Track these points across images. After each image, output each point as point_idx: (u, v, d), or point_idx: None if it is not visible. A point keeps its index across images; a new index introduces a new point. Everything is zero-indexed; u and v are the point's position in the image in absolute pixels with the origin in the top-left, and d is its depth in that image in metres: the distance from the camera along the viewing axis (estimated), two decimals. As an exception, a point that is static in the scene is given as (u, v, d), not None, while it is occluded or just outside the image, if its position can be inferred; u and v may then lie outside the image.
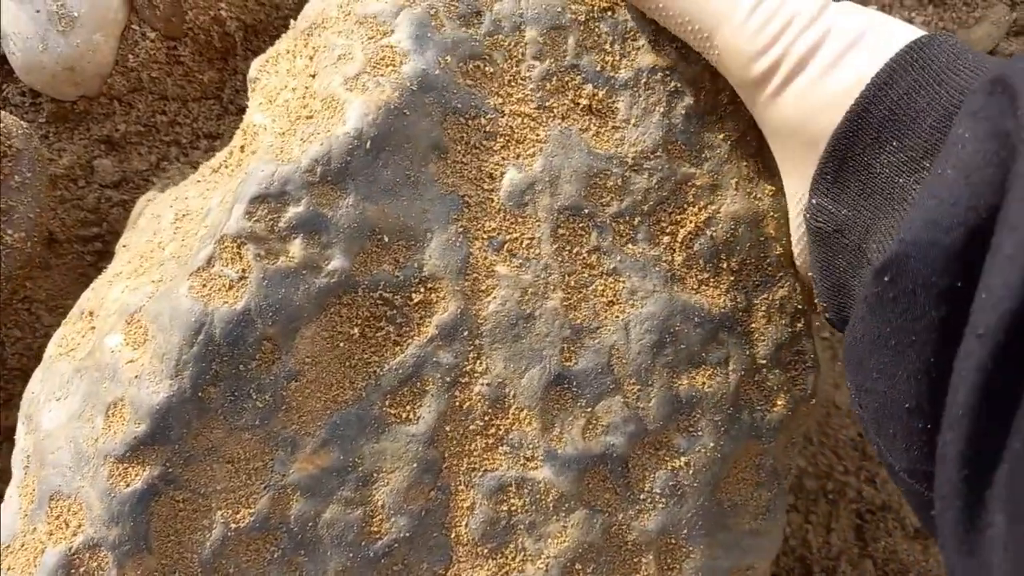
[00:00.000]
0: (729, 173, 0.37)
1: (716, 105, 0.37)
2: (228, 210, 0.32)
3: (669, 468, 0.35)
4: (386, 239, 0.33)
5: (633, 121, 0.35)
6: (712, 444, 0.35)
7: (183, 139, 0.49)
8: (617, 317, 0.35)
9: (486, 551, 0.34)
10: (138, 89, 0.48)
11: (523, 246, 0.34)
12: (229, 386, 0.31)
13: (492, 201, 0.34)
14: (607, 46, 0.36)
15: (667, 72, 0.36)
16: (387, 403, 0.33)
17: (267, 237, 0.31)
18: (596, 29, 0.36)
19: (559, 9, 0.35)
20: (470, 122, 0.34)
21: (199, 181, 0.40)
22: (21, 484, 0.34)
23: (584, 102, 0.35)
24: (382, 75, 0.33)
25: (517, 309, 0.34)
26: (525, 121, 0.35)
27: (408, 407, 0.33)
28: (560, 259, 0.34)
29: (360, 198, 0.32)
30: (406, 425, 0.33)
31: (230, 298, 0.31)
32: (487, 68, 0.34)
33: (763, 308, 0.37)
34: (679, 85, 0.36)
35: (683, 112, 0.36)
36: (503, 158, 0.34)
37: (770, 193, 0.37)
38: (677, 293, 0.35)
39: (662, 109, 0.36)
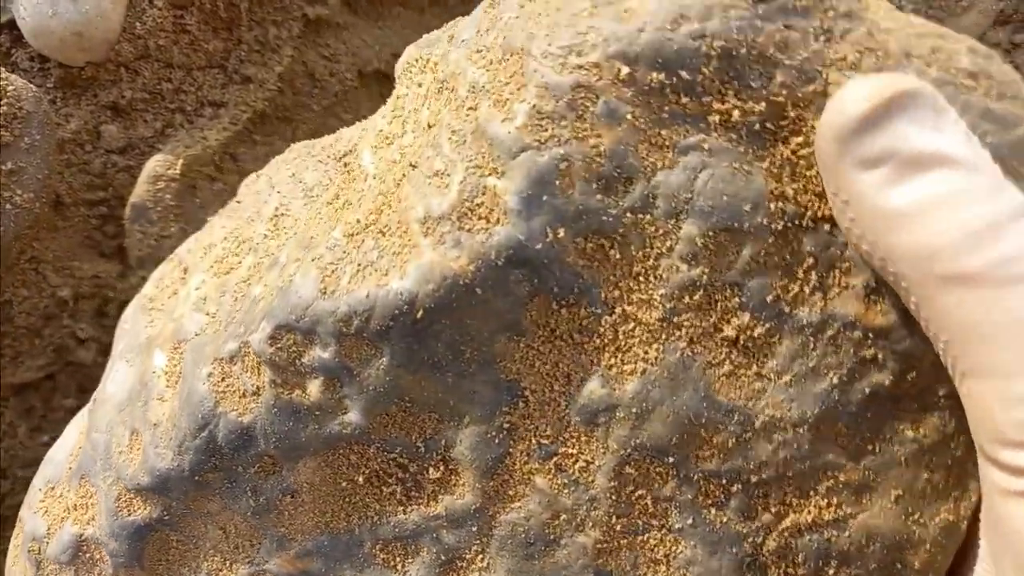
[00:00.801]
0: (894, 479, 0.26)
1: (925, 393, 0.25)
2: (260, 319, 0.28)
3: None
4: (416, 409, 0.27)
5: (788, 378, 0.25)
6: None
7: (188, 107, 0.49)
8: None
9: None
10: (144, 56, 0.47)
11: (575, 466, 0.27)
12: (227, 477, 0.30)
13: (558, 405, 0.27)
14: (799, 270, 0.24)
15: (872, 334, 0.24)
16: (378, 547, 0.30)
17: (287, 368, 0.27)
18: (794, 242, 0.24)
19: (748, 207, 0.24)
20: (564, 309, 0.26)
21: (320, 162, 0.35)
22: (81, 426, 0.36)
23: (730, 332, 0.25)
24: (469, 230, 0.25)
25: (540, 530, 0.28)
26: (638, 330, 0.26)
27: (398, 559, 0.30)
28: (614, 498, 0.27)
29: (396, 364, 0.26)
30: (391, 572, 0.31)
31: (240, 407, 0.28)
32: (612, 252, 0.25)
33: None
34: (881, 356, 0.25)
35: (867, 390, 0.25)
36: (591, 362, 0.26)
37: (942, 524, 0.26)
38: (747, 581, 0.28)
39: (839, 378, 0.25)
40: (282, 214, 0.34)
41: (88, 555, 0.34)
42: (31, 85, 0.42)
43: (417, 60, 0.32)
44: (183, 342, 0.32)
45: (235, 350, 0.28)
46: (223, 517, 0.31)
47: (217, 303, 0.32)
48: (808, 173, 0.24)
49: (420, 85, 0.31)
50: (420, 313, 0.25)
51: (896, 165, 0.21)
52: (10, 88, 0.40)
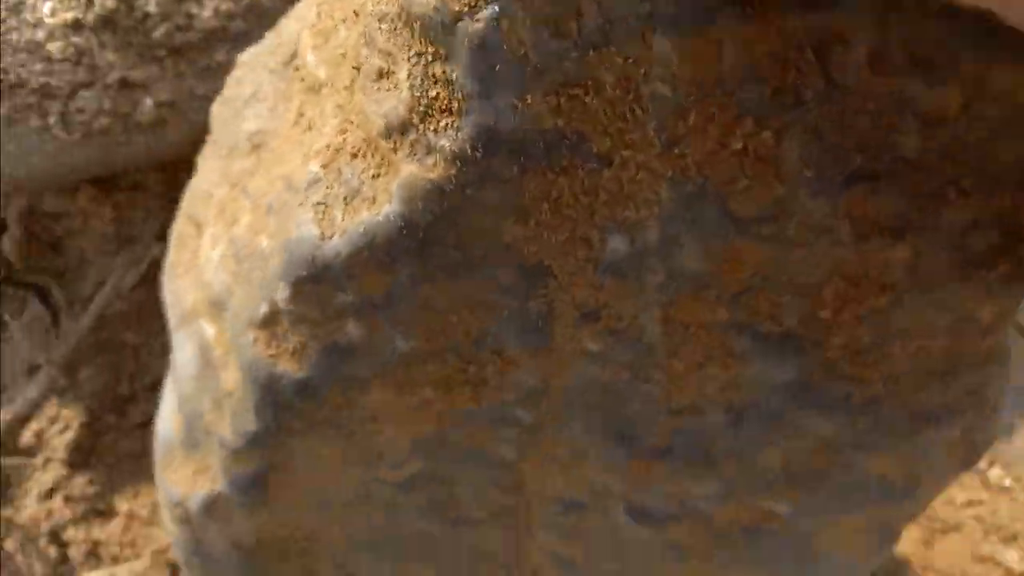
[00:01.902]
0: (943, 241, 0.25)
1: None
2: (276, 279, 0.28)
3: (762, 526, 0.32)
4: (453, 318, 0.27)
5: (810, 173, 0.24)
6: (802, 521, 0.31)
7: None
8: (729, 404, 0.28)
9: (560, 538, 0.35)
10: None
11: (622, 323, 0.27)
12: (307, 423, 0.31)
13: (586, 271, 0.26)
14: (791, 53, 0.22)
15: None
16: (468, 437, 0.32)
17: (318, 317, 0.28)
18: (776, 22, 0.21)
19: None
20: (561, 177, 0.24)
21: (272, 71, 0.35)
22: (173, 402, 0.39)
23: (737, 144, 0.23)
24: (434, 130, 0.23)
25: (607, 389, 0.29)
26: (642, 173, 0.24)
27: (489, 444, 0.32)
28: (668, 341, 0.27)
29: (413, 280, 0.26)
30: (487, 455, 0.32)
31: (293, 364, 0.29)
32: (588, 99, 0.23)
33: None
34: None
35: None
36: (604, 219, 0.25)
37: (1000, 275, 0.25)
38: (819, 377, 0.28)
39: (862, 152, 0.23)
40: (258, 144, 0.33)
41: (222, 506, 0.37)
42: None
43: None
44: (220, 308, 0.32)
45: (267, 313, 0.29)
46: (324, 450, 0.33)
47: (235, 260, 0.32)
48: None
49: None
50: (418, 230, 0.25)
51: None
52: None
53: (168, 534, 0.41)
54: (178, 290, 0.37)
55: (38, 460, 0.46)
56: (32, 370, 0.46)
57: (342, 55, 0.27)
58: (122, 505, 0.47)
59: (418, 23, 0.23)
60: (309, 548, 0.39)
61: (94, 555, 0.46)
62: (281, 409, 0.31)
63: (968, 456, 0.30)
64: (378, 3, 0.24)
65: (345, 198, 0.26)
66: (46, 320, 0.45)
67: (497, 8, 0.22)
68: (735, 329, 0.27)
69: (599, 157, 0.24)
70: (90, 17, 0.34)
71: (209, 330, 0.33)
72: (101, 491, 0.47)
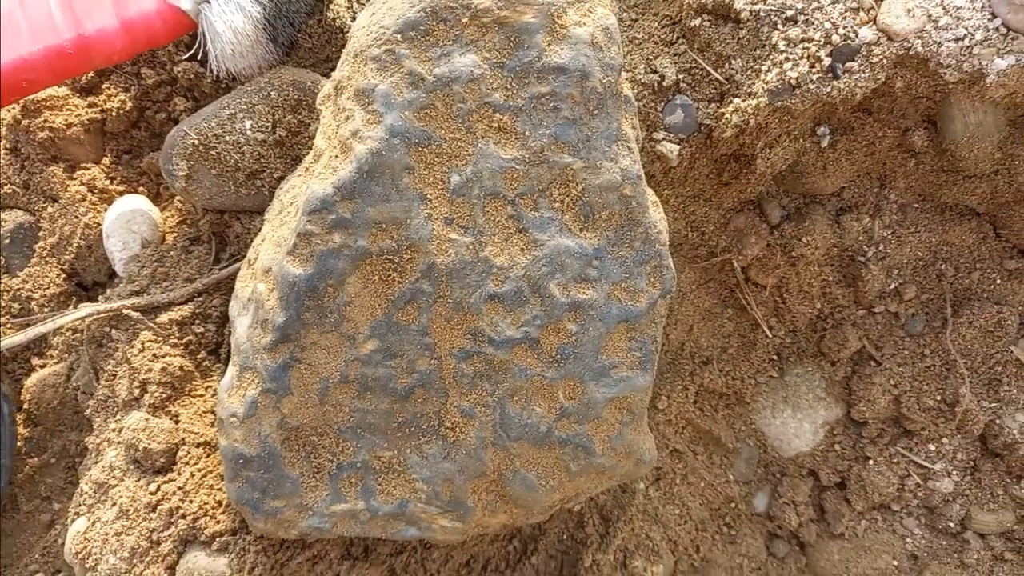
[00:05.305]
0: (598, 158, 0.56)
1: (585, 114, 0.56)
2: (297, 216, 0.58)
3: (567, 342, 0.58)
4: (385, 226, 0.57)
5: (528, 132, 0.56)
6: (591, 328, 0.58)
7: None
8: (527, 258, 0.57)
9: (464, 390, 0.60)
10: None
11: (465, 220, 0.57)
12: (315, 311, 0.59)
13: (444, 195, 0.57)
14: (508, 85, 0.55)
15: (549, 96, 0.55)
16: (400, 315, 0.59)
17: (320, 232, 0.57)
18: (500, 74, 0.55)
19: (472, 65, 0.55)
20: (425, 149, 0.56)
21: (300, 175, 0.66)
22: (232, 362, 0.65)
23: (496, 124, 0.56)
24: (369, 130, 0.56)
25: (463, 259, 0.57)
26: (459, 143, 0.56)
27: (411, 315, 0.59)
28: (488, 226, 0.57)
29: (365, 205, 0.56)
30: (412, 325, 0.59)
31: (307, 267, 0.58)
32: (432, 112, 0.56)
33: (627, 242, 0.57)
34: (558, 104, 0.55)
35: (562, 121, 0.56)
36: (448, 168, 0.57)
37: (621, 168, 0.56)
38: (564, 239, 0.57)
39: (548, 120, 0.56)
40: (291, 203, 0.64)
41: (262, 404, 0.61)
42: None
43: (325, 97, 0.63)
44: (269, 270, 0.61)
45: (294, 242, 0.58)
46: (322, 340, 0.60)
47: (283, 247, 0.61)
48: None
49: (329, 109, 0.63)
50: (364, 174, 0.56)
51: None
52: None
53: (222, 446, 0.64)
54: (242, 295, 0.66)
55: (162, 337, 0.71)
56: (189, 280, 0.73)
57: (334, 129, 0.60)
58: (184, 410, 0.70)
59: (363, 92, 0.56)
60: (310, 440, 0.62)
61: (155, 407, 0.68)
62: (298, 301, 0.58)
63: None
64: (344, 92, 0.58)
65: (332, 169, 0.57)
66: (211, 257, 0.73)
67: (392, 80, 0.56)
68: (517, 216, 0.57)
69: (440, 138, 0.56)
70: (270, 138, 0.70)
71: (261, 287, 0.61)
72: (180, 379, 0.70)
